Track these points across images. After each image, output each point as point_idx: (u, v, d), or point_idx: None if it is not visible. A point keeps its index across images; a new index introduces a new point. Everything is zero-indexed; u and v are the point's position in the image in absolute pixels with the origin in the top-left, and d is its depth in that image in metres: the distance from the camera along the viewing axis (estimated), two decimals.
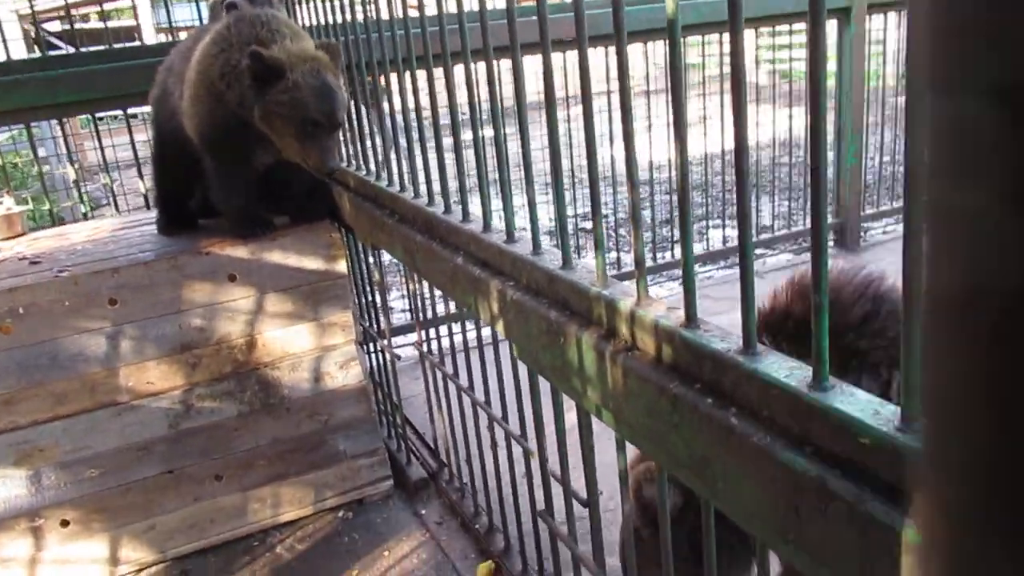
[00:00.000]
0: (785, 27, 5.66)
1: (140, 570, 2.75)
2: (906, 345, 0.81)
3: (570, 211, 5.32)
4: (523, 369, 1.82)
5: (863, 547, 0.84)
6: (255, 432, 2.80)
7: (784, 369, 0.97)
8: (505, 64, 2.01)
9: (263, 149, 2.65)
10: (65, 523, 2.61)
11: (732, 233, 5.66)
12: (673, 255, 5.51)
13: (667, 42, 1.07)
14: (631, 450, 1.40)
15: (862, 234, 5.69)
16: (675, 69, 1.07)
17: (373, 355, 3.30)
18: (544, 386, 1.66)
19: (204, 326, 2.66)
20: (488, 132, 2.17)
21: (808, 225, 5.82)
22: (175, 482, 2.73)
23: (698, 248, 5.36)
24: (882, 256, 5.34)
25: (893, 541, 0.80)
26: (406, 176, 2.27)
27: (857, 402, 0.89)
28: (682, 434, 1.10)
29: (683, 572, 1.52)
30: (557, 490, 1.83)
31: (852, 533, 0.85)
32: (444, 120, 1.93)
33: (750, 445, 0.97)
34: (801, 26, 5.44)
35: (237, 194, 2.75)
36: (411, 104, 2.14)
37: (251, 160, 2.70)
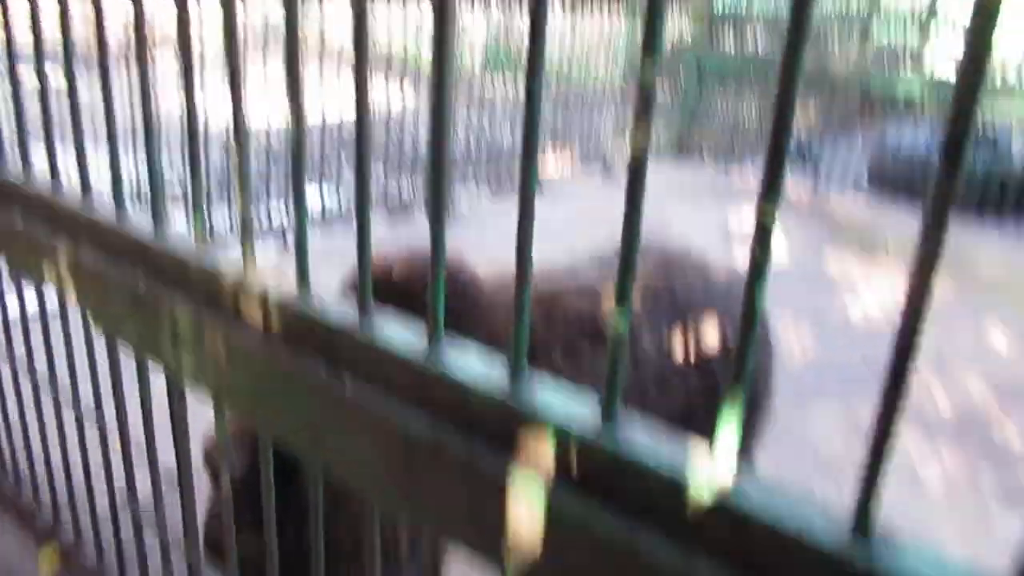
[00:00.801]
0: None
1: None
2: (517, 318, 0.85)
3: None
4: (98, 341, 1.58)
5: (473, 495, 0.88)
6: None
7: (399, 334, 0.97)
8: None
9: None
10: None
11: (332, 200, 5.65)
12: (270, 218, 5.33)
13: None
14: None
15: (450, 205, 6.07)
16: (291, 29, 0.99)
17: None
18: (126, 359, 1.46)
19: None
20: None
21: (402, 194, 6.04)
22: None
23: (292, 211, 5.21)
24: (466, 228, 5.77)
25: (501, 487, 0.84)
26: None
27: (470, 361, 0.91)
28: (293, 407, 1.04)
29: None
30: (140, 463, 1.62)
31: (463, 484, 0.88)
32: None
33: (366, 413, 0.95)
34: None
35: None
36: None
37: None
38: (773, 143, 0.66)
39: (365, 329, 0.97)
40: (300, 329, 1.04)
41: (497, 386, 0.87)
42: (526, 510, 0.83)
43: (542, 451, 0.83)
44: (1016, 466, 3.25)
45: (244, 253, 1.13)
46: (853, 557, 0.64)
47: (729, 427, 0.72)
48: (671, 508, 0.74)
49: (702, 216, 6.31)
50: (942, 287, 0.60)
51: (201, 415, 1.52)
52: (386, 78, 5.86)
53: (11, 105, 1.62)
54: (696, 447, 0.76)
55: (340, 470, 1.03)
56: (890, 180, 7.06)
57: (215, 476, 1.56)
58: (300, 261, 1.06)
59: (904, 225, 6.39)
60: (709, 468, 0.73)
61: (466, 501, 0.89)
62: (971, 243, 5.74)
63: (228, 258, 1.18)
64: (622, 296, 0.77)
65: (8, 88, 1.58)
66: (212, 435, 1.53)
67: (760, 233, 0.68)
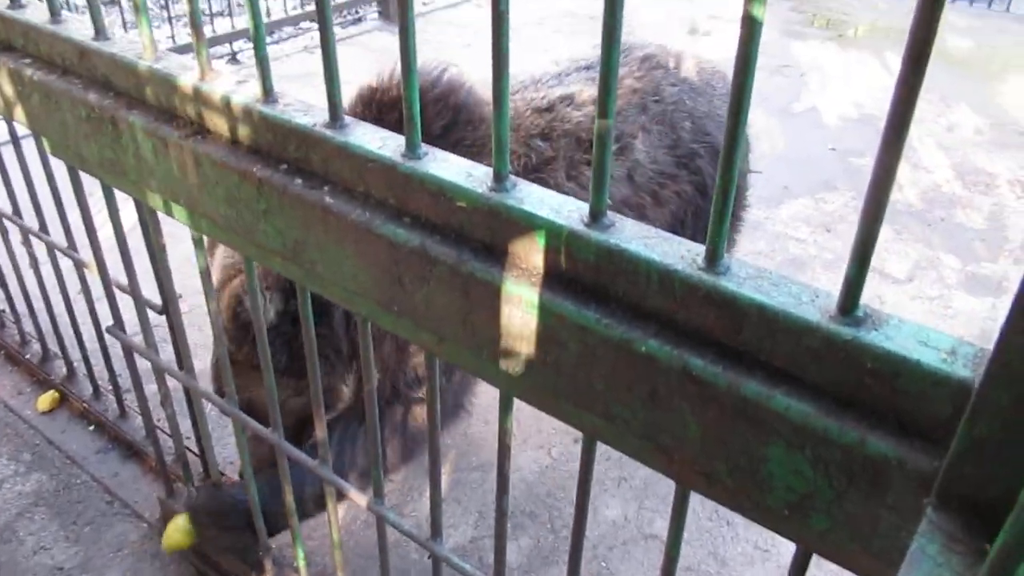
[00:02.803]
0: None
1: None
2: (497, 117, 0.81)
3: None
4: (60, 167, 1.52)
5: (465, 306, 0.88)
6: None
7: (376, 140, 0.93)
8: None
9: None
10: None
11: (275, 5, 5.30)
12: (214, 30, 5.02)
13: None
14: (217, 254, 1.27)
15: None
16: None
17: None
18: (91, 184, 1.41)
19: None
20: None
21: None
22: None
23: (238, 22, 4.93)
24: (424, 28, 5.50)
25: (493, 295, 0.84)
26: None
27: (451, 167, 0.88)
28: (272, 221, 1.02)
29: (282, 386, 1.49)
30: (126, 303, 1.63)
31: (455, 293, 0.88)
32: None
33: (348, 222, 0.93)
34: None
35: None
36: None
37: None
38: None
39: (339, 135, 0.93)
40: (270, 139, 1.00)
41: (481, 190, 0.84)
42: (519, 313, 0.83)
43: (531, 253, 0.83)
44: (978, 250, 3.34)
45: (199, 57, 1.06)
46: (840, 333, 0.66)
47: (719, 220, 0.71)
48: (662, 300, 0.75)
49: (667, 6, 6.05)
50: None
51: (178, 243, 1.50)
52: None
53: None
54: (685, 242, 0.76)
55: (328, 286, 1.03)
56: None
57: (241, 326, 1.55)
58: (260, 64, 0.99)
59: (874, 5, 6.19)
60: (699, 259, 0.73)
61: (458, 309, 0.89)
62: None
63: (182, 64, 1.11)
64: (606, 89, 0.73)
65: None
66: (240, 283, 1.52)
67: (748, 24, 0.64)
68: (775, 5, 6.23)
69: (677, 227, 2.01)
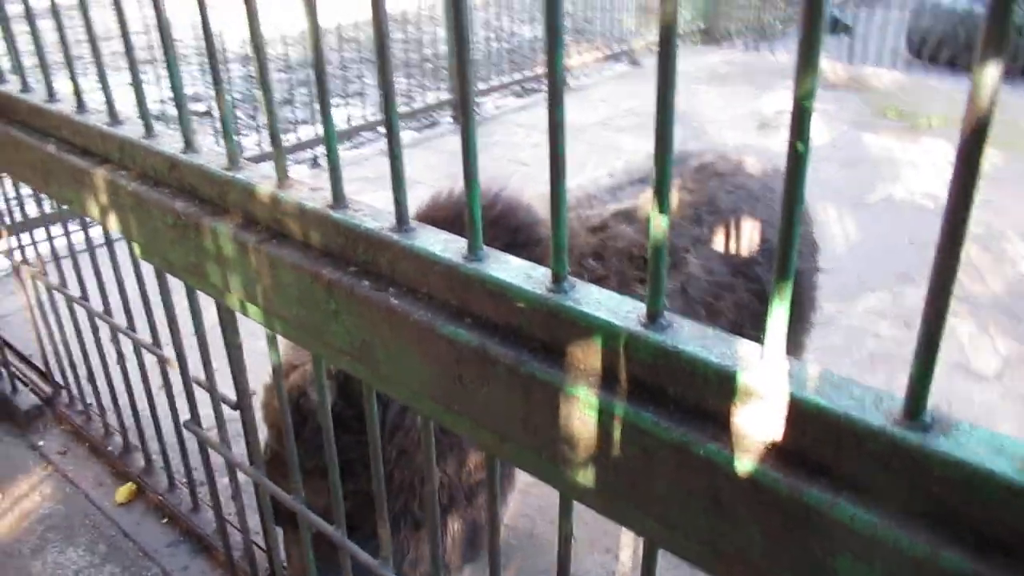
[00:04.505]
0: None
1: None
2: (555, 221, 0.84)
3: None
4: (148, 269, 1.62)
5: (525, 404, 0.89)
6: None
7: (439, 243, 0.96)
8: None
9: None
10: None
11: (355, 111, 5.58)
12: (298, 137, 5.30)
13: None
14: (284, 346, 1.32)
15: (476, 109, 5.98)
16: None
17: None
18: (176, 285, 1.49)
19: None
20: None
21: (427, 102, 5.96)
22: None
23: (320, 128, 5.18)
24: (494, 130, 5.69)
25: (552, 396, 0.85)
26: None
27: (510, 268, 0.91)
28: (341, 321, 1.05)
29: (322, 488, 1.49)
30: (202, 398, 1.69)
31: (515, 393, 0.89)
32: None
33: (411, 323, 0.96)
34: None
35: None
36: None
37: None
38: (808, 13, 0.62)
39: (404, 239, 0.97)
40: (339, 242, 1.04)
41: (540, 291, 0.86)
42: (577, 414, 0.84)
43: (589, 354, 0.83)
44: None
45: (277, 166, 1.13)
46: (906, 439, 0.64)
47: (778, 321, 0.71)
48: (720, 402, 0.74)
49: (734, 102, 6.13)
50: (990, 155, 0.57)
51: (255, 340, 1.56)
52: None
53: (29, 33, 1.60)
54: (744, 342, 0.76)
55: (393, 385, 1.05)
56: (931, 44, 6.76)
57: (303, 417, 1.58)
58: (333, 173, 1.05)
59: (947, 96, 6.14)
60: (758, 361, 0.73)
61: (518, 409, 0.90)
62: (1020, 105, 5.50)
63: (262, 173, 1.18)
64: (660, 187, 0.75)
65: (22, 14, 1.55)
66: (302, 373, 1.56)
67: (798, 117, 0.65)
68: (845, 97, 6.25)
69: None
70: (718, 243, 1.98)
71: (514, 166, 4.80)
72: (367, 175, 4.75)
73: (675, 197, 1.97)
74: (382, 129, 6.07)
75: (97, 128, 1.42)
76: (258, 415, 1.61)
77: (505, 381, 0.89)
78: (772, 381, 0.71)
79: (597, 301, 0.84)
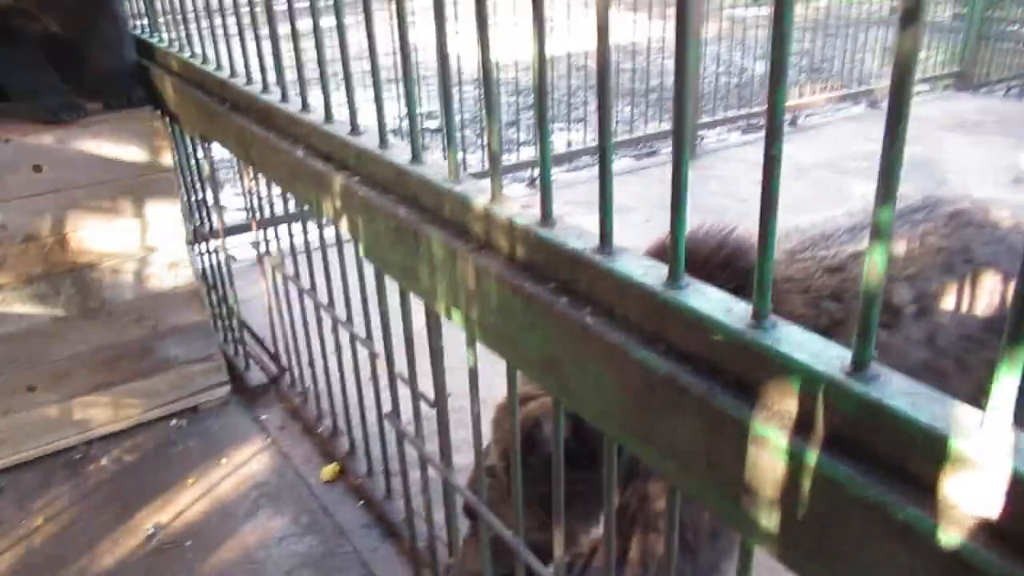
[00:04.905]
0: None
1: None
2: (762, 240, 0.81)
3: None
4: (368, 269, 1.75)
5: (711, 440, 0.86)
6: (73, 339, 2.57)
7: (640, 268, 0.96)
8: None
9: (31, 17, 2.35)
10: None
11: (576, 136, 5.70)
12: (519, 157, 5.49)
13: None
14: (486, 356, 1.37)
15: (697, 141, 5.89)
16: None
17: (206, 256, 3.10)
18: (391, 286, 1.59)
19: (6, 222, 2.38)
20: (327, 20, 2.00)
21: (647, 131, 5.96)
22: None
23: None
24: (713, 163, 5.58)
25: (740, 434, 0.82)
26: (237, 61, 2.08)
27: (710, 300, 0.89)
28: (535, 333, 1.08)
29: (529, 516, 1.52)
30: (404, 393, 1.80)
31: (702, 426, 0.87)
32: (280, 4, 1.77)
33: (604, 343, 0.97)
34: None
35: (23, 71, 2.44)
36: None
37: (23, 30, 2.38)
38: None
39: (605, 260, 0.98)
40: (542, 258, 1.07)
41: (739, 325, 0.84)
42: (766, 456, 0.80)
43: (784, 396, 0.80)
44: None
45: (492, 182, 1.18)
46: None
47: (1005, 387, 0.64)
48: (927, 467, 0.68)
49: (985, 153, 5.59)
50: None
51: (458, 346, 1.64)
52: (633, 8, 5.74)
53: (292, 52, 1.79)
54: (961, 405, 0.69)
55: (579, 402, 1.06)
56: None
57: (534, 445, 1.63)
58: (543, 192, 1.08)
59: None
60: (976, 428, 0.66)
61: (704, 444, 0.88)
62: None
63: (478, 187, 1.24)
64: (879, 230, 0.71)
65: (287, 33, 1.74)
66: (541, 404, 1.61)
67: None
68: None
69: (982, 398, 1.79)
70: (971, 295, 1.82)
71: (730, 201, 4.68)
72: (579, 198, 4.82)
73: (924, 241, 1.84)
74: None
75: (340, 138, 1.55)
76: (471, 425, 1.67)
77: (693, 412, 0.87)
78: (992, 452, 0.64)
79: (799, 343, 0.80)
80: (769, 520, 0.82)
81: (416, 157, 1.37)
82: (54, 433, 2.64)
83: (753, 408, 0.81)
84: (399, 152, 1.43)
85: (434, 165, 1.36)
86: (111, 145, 2.49)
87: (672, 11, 0.86)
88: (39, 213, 2.42)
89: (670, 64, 0.87)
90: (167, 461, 2.64)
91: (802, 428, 0.78)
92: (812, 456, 0.76)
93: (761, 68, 7.78)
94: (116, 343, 2.65)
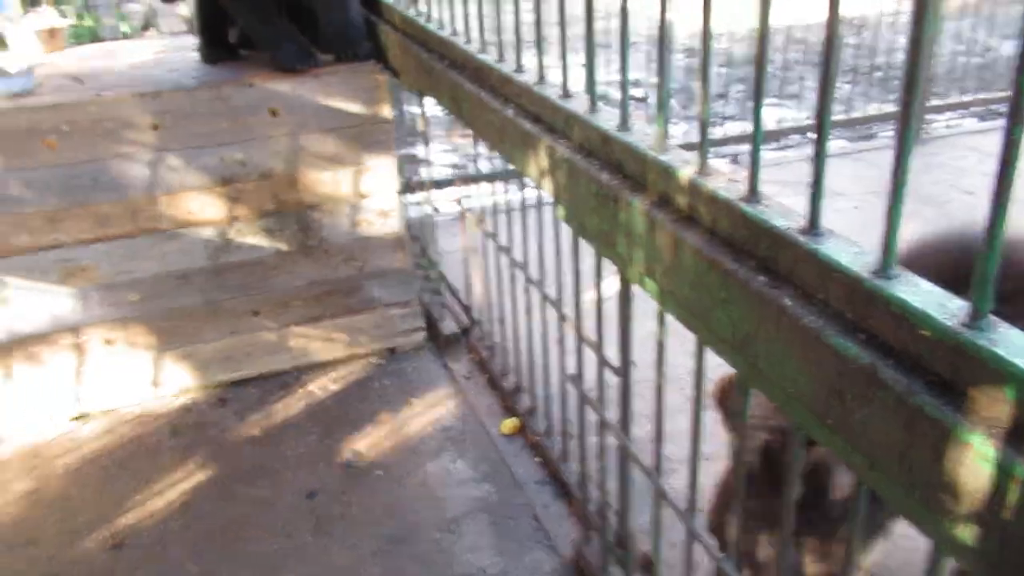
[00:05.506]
0: None
1: (180, 394, 2.86)
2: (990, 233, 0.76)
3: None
4: (565, 232, 1.78)
5: (906, 439, 0.82)
6: (292, 272, 2.83)
7: (847, 253, 0.93)
8: None
9: None
10: (108, 342, 2.70)
11: (787, 113, 5.45)
12: (724, 131, 5.33)
13: None
14: (674, 330, 1.37)
15: (924, 126, 5.43)
16: None
17: (412, 207, 3.28)
18: (586, 250, 1.62)
19: (245, 160, 2.64)
20: None
21: (867, 112, 5.57)
22: (213, 314, 2.79)
23: (747, 126, 5.15)
24: (940, 151, 5.13)
25: (940, 436, 0.78)
26: (458, 20, 2.16)
27: (922, 293, 0.84)
28: (728, 310, 1.07)
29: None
30: (588, 357, 1.83)
31: (897, 424, 0.83)
32: None
33: (800, 327, 0.94)
34: None
35: (267, 23, 2.68)
36: None
37: None
38: None
39: (811, 242, 0.95)
40: (744, 234, 1.05)
41: (951, 323, 0.79)
42: (967, 463, 0.76)
43: (995, 402, 0.74)
44: None
45: (700, 154, 1.17)
46: None
47: None
48: None
49: None
50: None
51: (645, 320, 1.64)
52: None
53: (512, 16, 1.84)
54: None
55: (767, 384, 1.04)
56: None
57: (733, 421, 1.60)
58: (752, 167, 1.06)
59: None
60: None
61: (897, 440, 0.84)
62: None
63: (683, 158, 1.23)
64: None
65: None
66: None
67: None
68: None
69: None
70: None
71: (954, 192, 4.30)
72: (787, 178, 4.61)
73: None
74: (812, 134, 5.84)
75: (550, 100, 1.59)
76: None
77: (890, 408, 0.83)
78: None
79: (1019, 347, 0.75)
80: (966, 532, 0.77)
81: (624, 124, 1.38)
82: (272, 356, 2.92)
83: (958, 411, 0.77)
84: (607, 118, 1.45)
85: (640, 133, 1.36)
86: (338, 95, 2.69)
87: None
88: (273, 154, 2.66)
89: (900, 40, 0.82)
90: (365, 395, 2.86)
91: (1013, 437, 0.73)
92: (1022, 470, 0.71)
93: (1009, 49, 7.01)
94: (328, 279, 2.88)
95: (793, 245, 0.97)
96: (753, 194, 1.07)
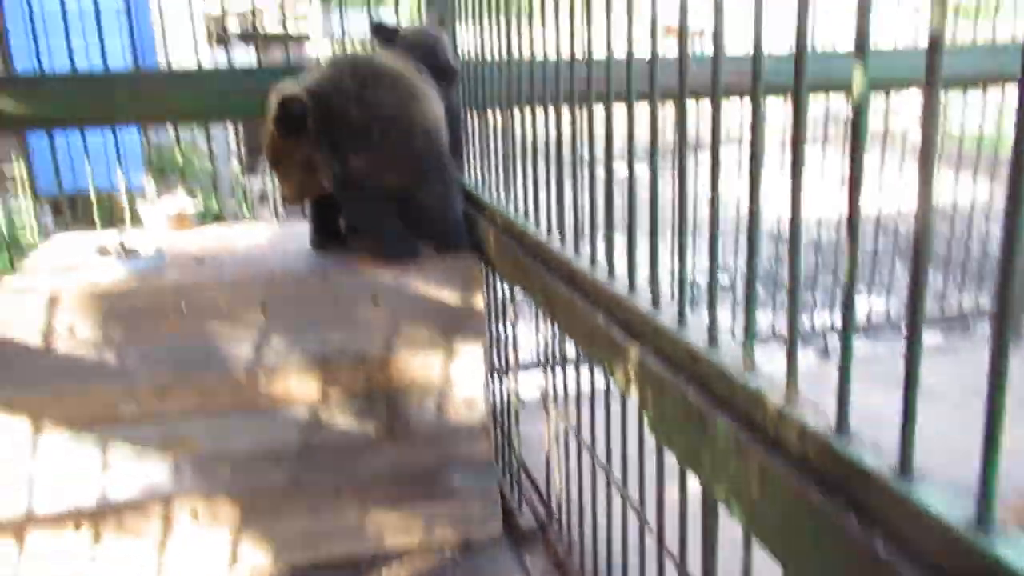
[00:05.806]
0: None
1: (252, 574, 2.86)
2: None
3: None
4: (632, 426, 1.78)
5: None
6: (377, 454, 2.87)
7: (944, 500, 0.90)
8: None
9: (379, 176, 2.82)
10: (195, 514, 2.76)
11: (877, 304, 5.37)
12: (812, 321, 5.28)
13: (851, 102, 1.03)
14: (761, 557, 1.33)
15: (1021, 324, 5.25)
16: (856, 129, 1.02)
17: (496, 392, 3.33)
18: (671, 460, 1.61)
19: (344, 343, 2.76)
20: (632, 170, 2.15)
21: (964, 307, 5.45)
22: (299, 493, 2.83)
23: (835, 317, 5.09)
24: None
25: None
26: (553, 219, 2.28)
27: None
28: (819, 550, 1.04)
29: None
30: (670, 571, 1.77)
31: None
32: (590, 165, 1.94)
33: None
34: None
35: (372, 218, 2.88)
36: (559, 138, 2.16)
37: (374, 186, 2.83)
38: None
39: (901, 486, 0.93)
40: (833, 468, 1.04)
41: None
42: None
43: None
44: None
45: (788, 383, 1.18)
46: None
47: None
48: None
49: None
50: None
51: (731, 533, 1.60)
52: (956, 168, 5.38)
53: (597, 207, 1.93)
54: None
55: None
56: None
57: None
58: (841, 397, 1.06)
59: None
60: None
61: None
62: None
63: (772, 380, 1.24)
64: None
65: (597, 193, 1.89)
66: None
67: None
68: None
69: None
70: None
71: None
72: (877, 373, 4.49)
73: None
74: (902, 328, 5.72)
75: (640, 311, 1.64)
76: None
77: None
78: None
79: None
80: None
81: (713, 340, 1.41)
82: (350, 540, 2.91)
83: None
84: (695, 332, 1.48)
85: (729, 351, 1.38)
86: (436, 285, 2.83)
87: (1004, 171, 0.82)
88: (371, 338, 2.78)
89: (996, 230, 0.82)
90: None
91: None
92: None
93: None
94: (410, 463, 2.90)
95: (882, 488, 0.95)
96: (842, 427, 1.07)
